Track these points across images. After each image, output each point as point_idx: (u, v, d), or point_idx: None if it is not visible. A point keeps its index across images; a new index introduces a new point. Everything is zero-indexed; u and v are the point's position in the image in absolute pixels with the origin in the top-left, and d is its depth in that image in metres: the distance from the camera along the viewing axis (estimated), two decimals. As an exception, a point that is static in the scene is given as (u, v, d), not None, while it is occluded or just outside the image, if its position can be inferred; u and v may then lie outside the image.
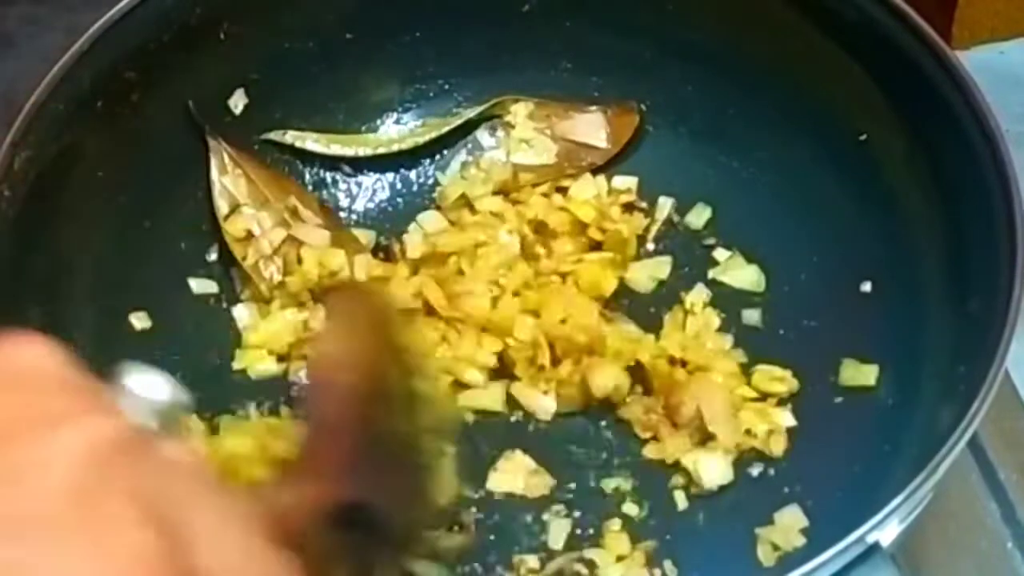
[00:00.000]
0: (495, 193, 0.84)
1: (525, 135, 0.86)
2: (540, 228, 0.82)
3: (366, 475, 0.51)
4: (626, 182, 0.85)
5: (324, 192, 0.85)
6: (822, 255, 0.80)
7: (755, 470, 0.74)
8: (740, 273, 0.81)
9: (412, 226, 0.84)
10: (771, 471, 0.74)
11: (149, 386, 0.40)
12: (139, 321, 0.77)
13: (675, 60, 0.83)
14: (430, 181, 0.86)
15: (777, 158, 0.82)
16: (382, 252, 0.83)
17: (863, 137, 0.77)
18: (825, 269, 0.79)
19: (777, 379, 0.76)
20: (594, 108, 0.86)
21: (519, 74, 0.86)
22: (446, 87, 0.87)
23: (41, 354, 0.36)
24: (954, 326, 0.69)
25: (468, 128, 0.87)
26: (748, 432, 0.74)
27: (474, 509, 0.73)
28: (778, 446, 0.74)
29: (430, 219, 0.84)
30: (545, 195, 0.84)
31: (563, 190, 0.84)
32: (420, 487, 0.56)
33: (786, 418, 0.75)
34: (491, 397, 0.77)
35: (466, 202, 0.84)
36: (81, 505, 0.32)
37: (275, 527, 0.40)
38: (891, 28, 0.72)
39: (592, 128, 0.86)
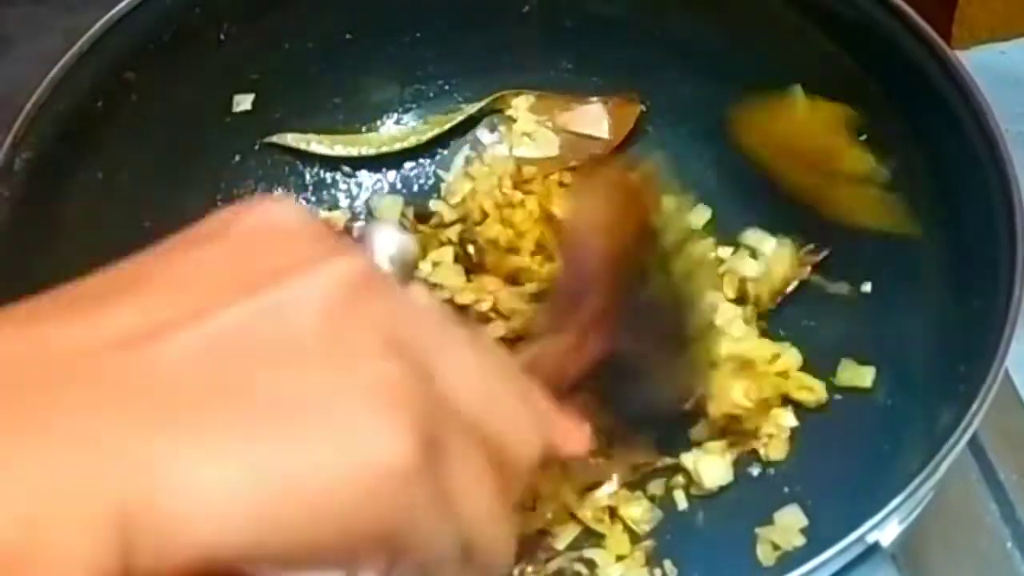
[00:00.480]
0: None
1: (527, 128, 0.86)
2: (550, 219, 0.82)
3: (623, 329, 0.51)
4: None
5: (324, 192, 0.86)
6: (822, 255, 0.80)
7: (755, 470, 0.74)
8: (740, 273, 0.81)
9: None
10: (771, 471, 0.74)
11: (385, 237, 0.43)
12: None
13: (675, 60, 0.83)
14: (431, 181, 0.86)
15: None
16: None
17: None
18: (825, 269, 0.79)
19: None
20: (595, 99, 0.86)
21: (519, 74, 0.86)
22: (446, 87, 0.87)
23: (289, 210, 0.39)
24: (954, 326, 0.69)
25: (469, 126, 0.87)
26: (749, 432, 0.74)
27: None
28: (779, 447, 0.74)
29: (438, 205, 0.84)
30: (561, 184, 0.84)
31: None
32: (676, 344, 0.57)
33: (788, 418, 0.75)
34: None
35: (473, 196, 0.84)
36: (331, 337, 0.35)
37: (534, 373, 0.43)
38: (891, 28, 0.72)
39: (593, 119, 0.86)
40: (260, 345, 0.35)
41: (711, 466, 0.73)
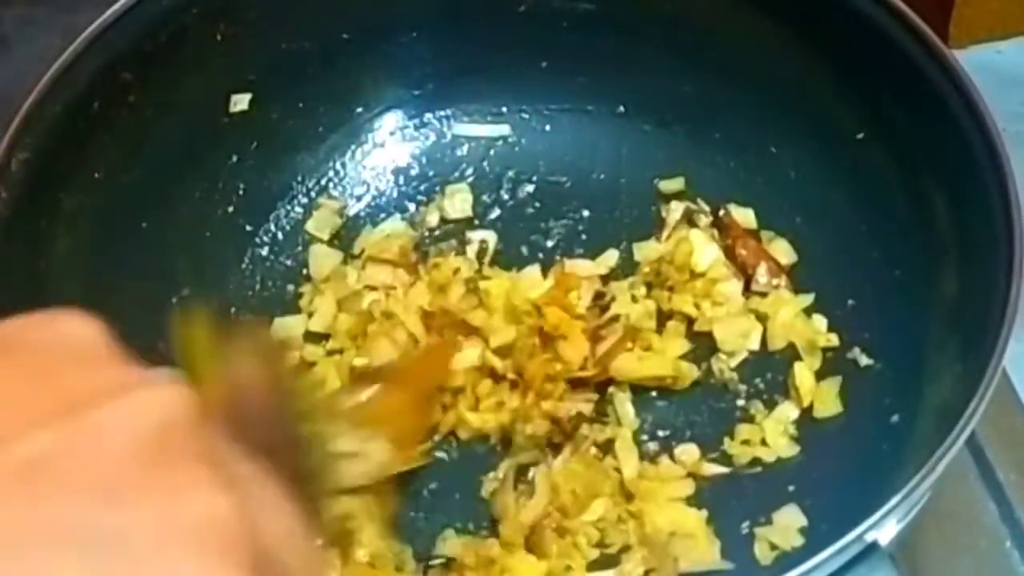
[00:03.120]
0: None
1: None
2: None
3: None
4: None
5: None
6: (821, 255, 0.80)
7: (754, 470, 0.74)
8: (740, 272, 0.81)
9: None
10: (770, 471, 0.74)
11: None
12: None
13: (674, 60, 0.83)
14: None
15: (776, 158, 0.82)
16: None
17: (861, 136, 0.77)
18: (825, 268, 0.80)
19: None
20: None
21: (517, 74, 0.86)
22: (444, 87, 0.87)
23: (83, 326, 0.36)
24: (952, 326, 0.69)
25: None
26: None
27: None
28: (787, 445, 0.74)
29: None
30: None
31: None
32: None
33: (791, 412, 0.75)
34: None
35: None
36: (152, 469, 0.33)
37: None
38: (889, 28, 0.72)
39: None
40: (75, 474, 0.32)
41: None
